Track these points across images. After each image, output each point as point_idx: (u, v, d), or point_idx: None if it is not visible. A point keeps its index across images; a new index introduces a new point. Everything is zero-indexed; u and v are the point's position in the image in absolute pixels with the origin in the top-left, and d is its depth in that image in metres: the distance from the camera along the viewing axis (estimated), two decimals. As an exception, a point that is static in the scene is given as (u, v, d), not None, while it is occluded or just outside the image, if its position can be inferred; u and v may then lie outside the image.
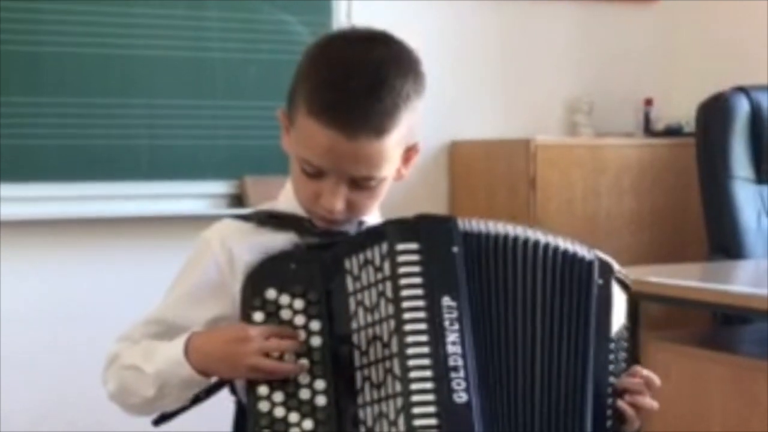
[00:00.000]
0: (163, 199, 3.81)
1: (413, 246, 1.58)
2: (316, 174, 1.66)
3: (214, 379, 1.70)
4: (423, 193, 4.24)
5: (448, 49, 4.37)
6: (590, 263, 1.68)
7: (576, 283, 1.66)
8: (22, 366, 3.67)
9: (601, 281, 1.68)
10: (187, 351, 1.66)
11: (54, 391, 3.67)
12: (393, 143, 1.65)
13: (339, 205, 1.66)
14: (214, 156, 3.85)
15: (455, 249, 1.60)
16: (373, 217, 1.77)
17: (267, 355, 1.60)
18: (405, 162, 1.73)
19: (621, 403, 1.67)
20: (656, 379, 1.72)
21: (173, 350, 1.67)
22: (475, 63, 4.45)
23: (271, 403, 1.60)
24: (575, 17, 4.64)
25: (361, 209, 1.70)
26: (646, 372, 1.73)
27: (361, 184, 1.66)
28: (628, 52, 4.74)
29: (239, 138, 3.85)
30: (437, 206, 4.21)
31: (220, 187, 3.89)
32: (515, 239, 1.64)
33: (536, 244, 1.65)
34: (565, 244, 1.67)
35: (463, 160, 4.39)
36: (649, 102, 4.69)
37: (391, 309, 1.57)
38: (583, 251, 1.68)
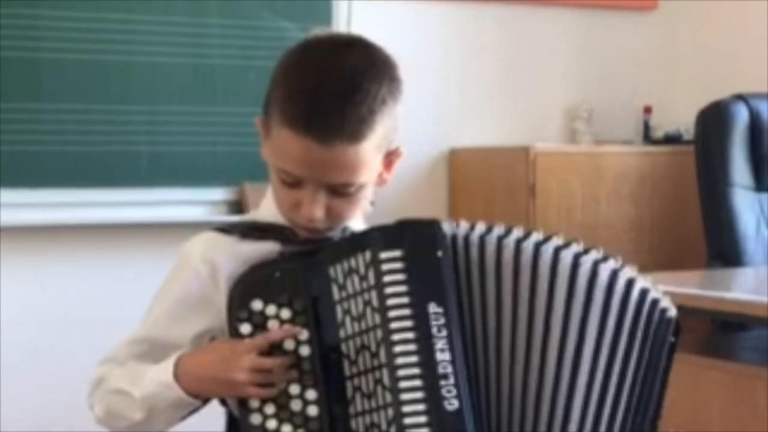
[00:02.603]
0: (163, 205, 3.81)
1: (397, 253, 1.56)
2: (294, 183, 1.64)
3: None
4: (422, 200, 4.24)
5: (447, 56, 4.37)
6: (670, 321, 1.63)
7: (651, 337, 1.62)
8: (22, 371, 3.67)
9: (673, 339, 1.65)
10: (176, 374, 1.65)
11: (54, 397, 3.67)
12: (370, 149, 1.62)
13: (319, 213, 1.63)
14: (214, 162, 3.85)
15: (440, 253, 1.57)
16: (357, 224, 1.75)
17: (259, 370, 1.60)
18: (387, 167, 1.70)
19: None
20: None
21: (162, 374, 1.65)
22: (475, 70, 4.46)
23: (263, 415, 1.60)
24: (575, 25, 4.64)
25: (341, 216, 1.67)
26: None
27: (340, 191, 1.63)
28: (628, 59, 4.74)
29: (239, 144, 3.85)
30: (436, 214, 4.19)
31: (220, 194, 3.89)
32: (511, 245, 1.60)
33: (596, 265, 1.59)
34: (643, 281, 1.62)
35: (462, 168, 4.39)
36: (648, 110, 4.69)
37: (377, 318, 1.55)
38: (664, 301, 1.63)
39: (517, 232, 1.61)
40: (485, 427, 1.57)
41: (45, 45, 3.63)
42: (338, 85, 1.60)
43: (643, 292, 1.61)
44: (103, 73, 3.70)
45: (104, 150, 3.71)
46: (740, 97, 4.04)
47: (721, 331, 3.71)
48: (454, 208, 4.39)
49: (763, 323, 2.94)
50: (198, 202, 3.86)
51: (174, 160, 3.80)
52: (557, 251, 1.59)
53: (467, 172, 4.38)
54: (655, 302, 1.62)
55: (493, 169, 4.29)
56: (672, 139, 4.57)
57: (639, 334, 1.61)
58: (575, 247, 1.60)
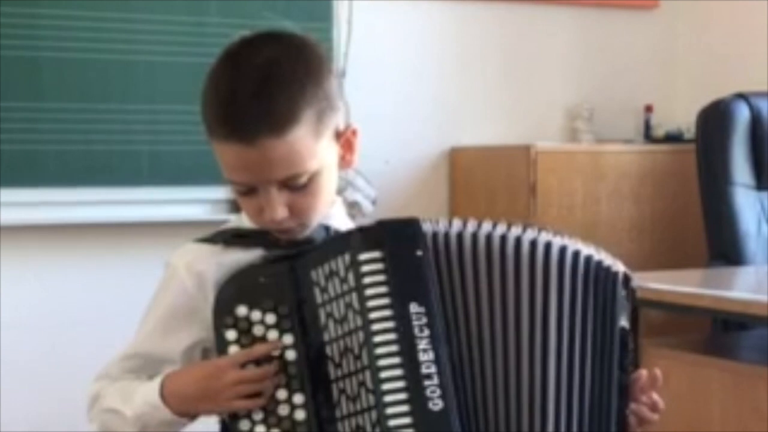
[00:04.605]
0: (164, 204, 3.81)
1: (376, 254, 1.56)
2: (247, 191, 1.65)
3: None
4: (423, 199, 4.24)
5: (448, 55, 4.37)
6: (615, 274, 1.66)
7: (601, 295, 1.64)
8: (22, 371, 3.67)
9: (624, 293, 1.67)
10: (163, 395, 1.65)
11: (54, 396, 3.67)
12: (302, 136, 1.61)
13: (280, 213, 1.63)
14: (215, 161, 3.82)
15: (419, 252, 1.57)
16: (338, 217, 1.75)
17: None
18: (347, 148, 1.70)
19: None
20: (659, 378, 1.72)
21: (150, 394, 1.66)
22: (476, 69, 4.46)
23: (251, 421, 1.60)
24: (576, 24, 4.64)
25: (306, 211, 1.66)
26: (648, 372, 1.72)
27: (292, 186, 1.63)
28: (629, 58, 4.74)
29: (240, 144, 3.84)
30: (437, 213, 4.21)
31: (221, 193, 3.87)
32: (505, 238, 1.61)
33: (548, 245, 1.62)
34: (588, 249, 1.65)
35: (463, 167, 4.39)
36: (649, 108, 4.69)
37: (359, 321, 1.55)
38: (608, 260, 1.67)
39: (486, 226, 1.62)
40: (474, 424, 1.56)
41: (45, 44, 3.63)
42: (249, 83, 1.62)
43: (588, 258, 1.65)
44: (103, 72, 3.70)
45: (105, 149, 3.71)
46: (741, 96, 4.03)
47: (722, 330, 3.71)
48: (454, 207, 4.39)
49: (764, 322, 2.94)
50: (199, 201, 3.86)
51: (175, 159, 3.80)
52: (518, 238, 1.61)
53: (468, 171, 4.38)
54: (599, 263, 1.65)
55: (493, 168, 4.29)
56: (673, 138, 4.56)
57: (591, 291, 1.63)
58: (530, 233, 1.62)
